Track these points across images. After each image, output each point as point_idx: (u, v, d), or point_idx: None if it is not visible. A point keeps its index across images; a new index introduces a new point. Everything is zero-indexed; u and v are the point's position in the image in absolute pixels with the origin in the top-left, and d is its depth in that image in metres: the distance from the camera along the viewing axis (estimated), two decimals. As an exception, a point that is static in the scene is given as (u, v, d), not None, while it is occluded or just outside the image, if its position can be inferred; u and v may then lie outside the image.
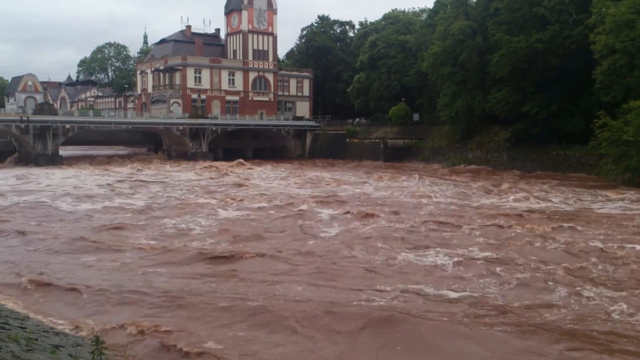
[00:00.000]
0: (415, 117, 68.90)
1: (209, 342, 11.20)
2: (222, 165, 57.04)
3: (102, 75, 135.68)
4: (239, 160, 60.41)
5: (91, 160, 62.55)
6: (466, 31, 55.24)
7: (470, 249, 18.88)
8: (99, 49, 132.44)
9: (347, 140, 70.76)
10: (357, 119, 78.15)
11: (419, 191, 35.74)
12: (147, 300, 13.71)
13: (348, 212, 26.40)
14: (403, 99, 69.75)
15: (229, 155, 68.26)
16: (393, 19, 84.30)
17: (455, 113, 56.93)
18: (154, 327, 11.80)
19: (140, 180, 42.60)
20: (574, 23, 48.81)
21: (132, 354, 10.67)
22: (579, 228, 22.37)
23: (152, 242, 20.14)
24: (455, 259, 17.43)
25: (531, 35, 48.12)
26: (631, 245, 19.09)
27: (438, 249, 18.99)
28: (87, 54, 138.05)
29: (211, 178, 45.64)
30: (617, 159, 38.36)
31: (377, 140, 67.40)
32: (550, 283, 15.00)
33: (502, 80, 51.74)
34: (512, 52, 48.59)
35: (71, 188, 36.92)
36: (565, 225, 22.94)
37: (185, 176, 46.94)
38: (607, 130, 38.46)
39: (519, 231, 21.86)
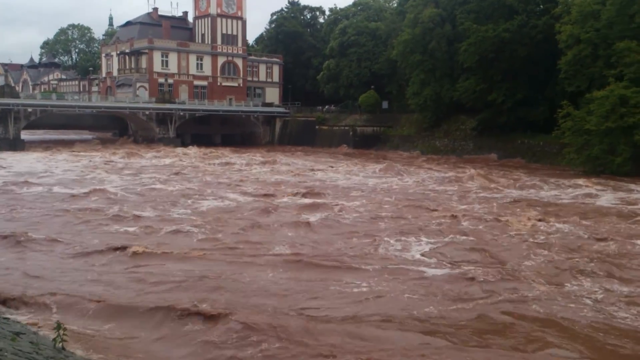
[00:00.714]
0: (385, 104, 69.19)
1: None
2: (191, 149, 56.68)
3: (66, 58, 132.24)
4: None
5: (58, 144, 60.85)
6: (435, 19, 55.51)
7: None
8: (63, 31, 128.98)
9: (317, 127, 70.73)
10: (326, 106, 78.06)
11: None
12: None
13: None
14: (373, 87, 69.91)
15: (197, 141, 67.48)
16: (363, 6, 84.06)
17: (424, 101, 57.34)
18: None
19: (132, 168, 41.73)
20: (540, 13, 49.57)
21: (96, 341, 10.51)
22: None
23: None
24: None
25: (499, 25, 48.69)
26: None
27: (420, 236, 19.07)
28: (51, 35, 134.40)
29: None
30: (579, 148, 39.21)
31: (346, 128, 67.53)
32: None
33: (469, 69, 52.29)
34: (479, 41, 49.11)
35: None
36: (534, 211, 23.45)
37: (187, 162, 46.25)
38: (570, 119, 39.26)
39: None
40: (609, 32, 39.16)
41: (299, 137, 71.26)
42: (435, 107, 57.60)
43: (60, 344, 8.42)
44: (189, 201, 25.59)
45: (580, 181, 33.56)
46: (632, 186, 31.80)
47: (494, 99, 50.13)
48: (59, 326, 8.32)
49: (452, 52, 54.70)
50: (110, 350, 10.12)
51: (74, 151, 55.35)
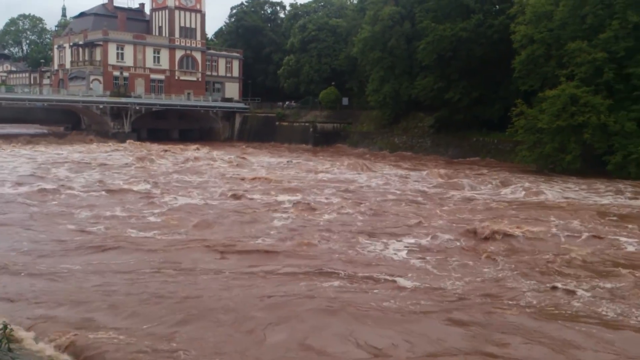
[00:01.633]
0: (345, 101, 69.39)
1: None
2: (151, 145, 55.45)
3: (16, 49, 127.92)
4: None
5: (11, 139, 58.22)
6: (395, 17, 55.88)
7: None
8: (13, 21, 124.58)
9: (277, 123, 70.43)
10: (287, 102, 77.73)
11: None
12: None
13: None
14: (333, 83, 70.01)
15: (153, 136, 66.40)
16: (324, 2, 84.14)
17: (383, 98, 57.74)
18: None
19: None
20: (496, 13, 50.41)
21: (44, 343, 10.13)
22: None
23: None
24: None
25: (456, 24, 49.34)
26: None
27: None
28: (0, 26, 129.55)
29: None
30: (531, 146, 40.02)
31: (306, 124, 67.46)
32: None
33: (428, 67, 52.88)
34: (437, 40, 49.69)
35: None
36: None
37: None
38: (523, 118, 40.04)
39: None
40: (562, 32, 40.06)
41: (259, 133, 70.82)
42: (394, 104, 58.07)
43: (7, 345, 8.14)
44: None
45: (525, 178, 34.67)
46: (570, 184, 32.69)
47: (451, 97, 50.84)
48: (4, 327, 8.04)
49: (411, 50, 55.20)
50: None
51: None
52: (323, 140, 64.09)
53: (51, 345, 9.73)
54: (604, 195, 29.06)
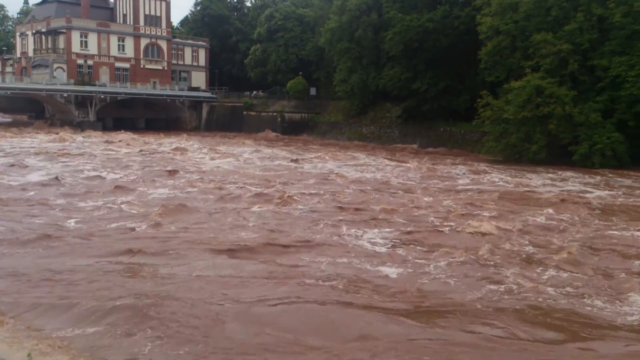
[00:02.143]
0: (313, 91, 69.29)
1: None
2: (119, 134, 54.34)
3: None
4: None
5: None
6: (362, 7, 55.87)
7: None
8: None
9: (245, 112, 70.01)
10: (254, 92, 77.24)
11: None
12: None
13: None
14: (301, 73, 69.77)
15: (119, 125, 65.31)
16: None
17: (351, 89, 57.84)
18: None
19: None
20: (462, 4, 50.89)
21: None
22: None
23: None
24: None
25: (423, 14, 49.68)
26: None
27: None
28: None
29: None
30: (498, 137, 40.70)
31: (274, 114, 67.20)
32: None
33: (395, 57, 53.11)
34: (404, 30, 49.95)
35: None
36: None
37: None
38: (489, 109, 40.69)
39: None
40: (527, 24, 40.72)
41: (227, 122, 70.29)
42: (362, 95, 58.25)
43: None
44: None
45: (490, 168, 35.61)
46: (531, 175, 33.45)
47: (418, 87, 51.24)
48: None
49: (379, 41, 55.29)
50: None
51: None
52: (291, 130, 64.00)
53: None
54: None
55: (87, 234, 16.11)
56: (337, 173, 31.34)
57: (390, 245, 15.81)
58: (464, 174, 32.99)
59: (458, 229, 17.55)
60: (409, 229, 17.56)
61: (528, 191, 26.74)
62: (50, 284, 11.98)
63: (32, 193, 22.38)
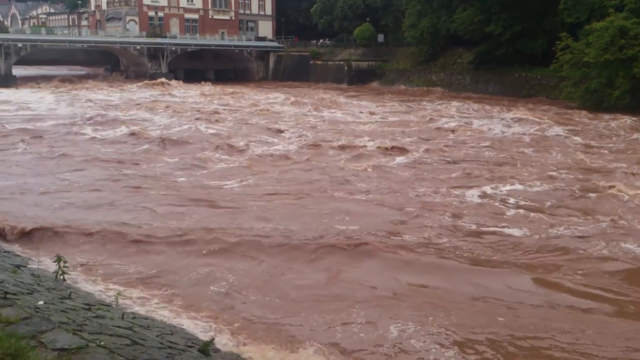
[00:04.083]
0: (380, 38, 67.83)
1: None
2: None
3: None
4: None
5: (54, 80, 58.58)
6: (433, -53, 53.61)
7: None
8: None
9: (311, 62, 69.59)
10: (321, 40, 76.53)
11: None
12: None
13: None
14: (368, 19, 68.30)
15: (190, 76, 66.69)
16: None
17: (421, 34, 56.19)
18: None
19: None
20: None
21: (97, 273, 10.64)
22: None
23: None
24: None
25: (498, -48, 47.13)
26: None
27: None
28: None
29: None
30: (577, 82, 38.77)
31: (341, 63, 66.44)
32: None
33: (467, -1, 50.95)
34: (478, -30, 47.67)
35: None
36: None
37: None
38: (569, 52, 38.64)
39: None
40: (612, -41, 38.02)
41: (293, 72, 70.24)
42: (432, 40, 56.50)
43: (62, 276, 8.56)
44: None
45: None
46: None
47: (491, 30, 49.05)
48: (59, 259, 8.43)
49: (450, -18, 53.11)
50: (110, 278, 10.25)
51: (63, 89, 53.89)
52: (358, 79, 63.23)
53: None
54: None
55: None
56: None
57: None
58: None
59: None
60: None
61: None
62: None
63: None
